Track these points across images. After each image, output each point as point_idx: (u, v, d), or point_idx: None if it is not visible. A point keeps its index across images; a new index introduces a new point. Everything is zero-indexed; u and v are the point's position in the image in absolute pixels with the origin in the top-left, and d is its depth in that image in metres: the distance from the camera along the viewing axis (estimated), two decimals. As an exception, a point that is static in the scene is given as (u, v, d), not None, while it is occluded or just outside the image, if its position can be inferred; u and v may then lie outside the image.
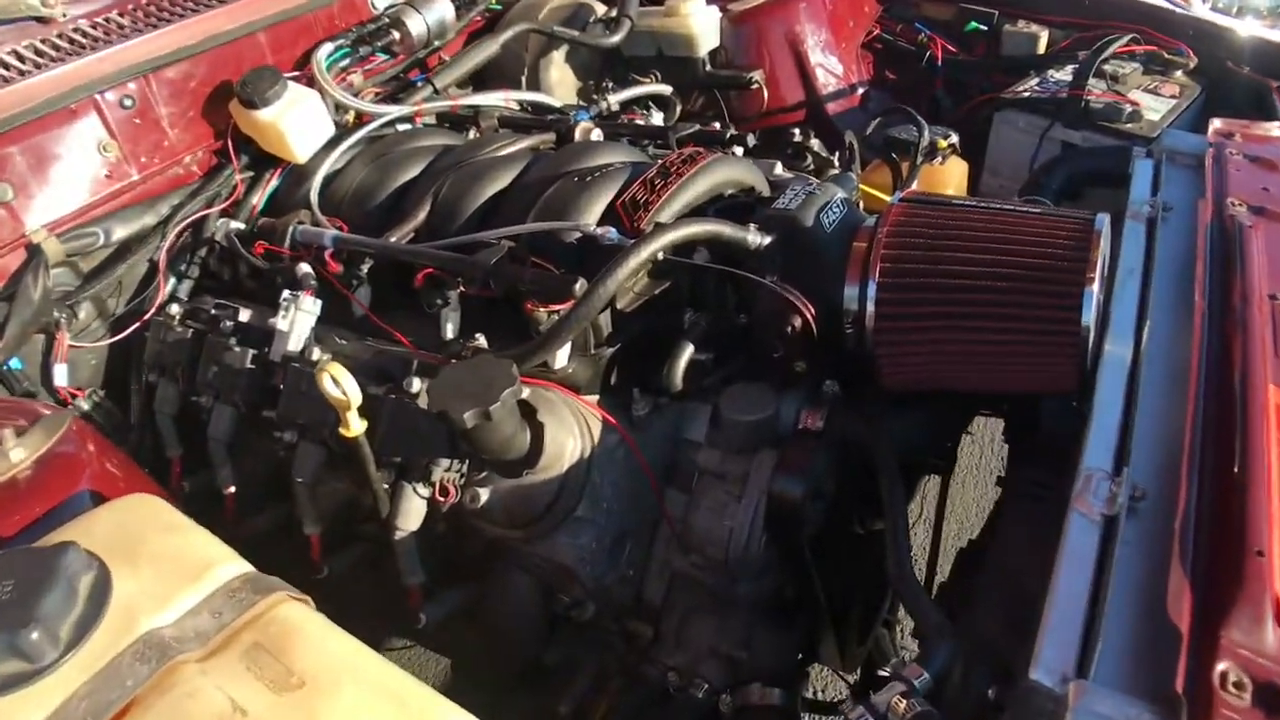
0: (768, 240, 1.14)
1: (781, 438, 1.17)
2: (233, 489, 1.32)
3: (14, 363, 1.38)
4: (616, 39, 1.85)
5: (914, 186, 1.55)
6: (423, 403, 1.08)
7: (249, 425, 1.31)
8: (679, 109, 1.91)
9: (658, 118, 1.84)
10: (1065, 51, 1.88)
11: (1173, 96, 1.73)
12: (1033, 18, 1.96)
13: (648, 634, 1.24)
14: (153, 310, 1.45)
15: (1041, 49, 1.93)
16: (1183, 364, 0.92)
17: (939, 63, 1.97)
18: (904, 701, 0.75)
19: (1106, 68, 1.77)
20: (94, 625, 0.64)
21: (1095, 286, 0.99)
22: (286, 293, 1.26)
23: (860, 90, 1.94)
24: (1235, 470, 0.74)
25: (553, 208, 1.23)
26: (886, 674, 0.83)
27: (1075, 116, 1.63)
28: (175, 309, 1.42)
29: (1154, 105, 1.69)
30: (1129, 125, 1.61)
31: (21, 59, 1.47)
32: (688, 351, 1.14)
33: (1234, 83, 1.78)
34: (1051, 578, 0.73)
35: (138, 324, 1.47)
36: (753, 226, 1.14)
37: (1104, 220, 1.04)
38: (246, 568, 0.72)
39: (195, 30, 1.58)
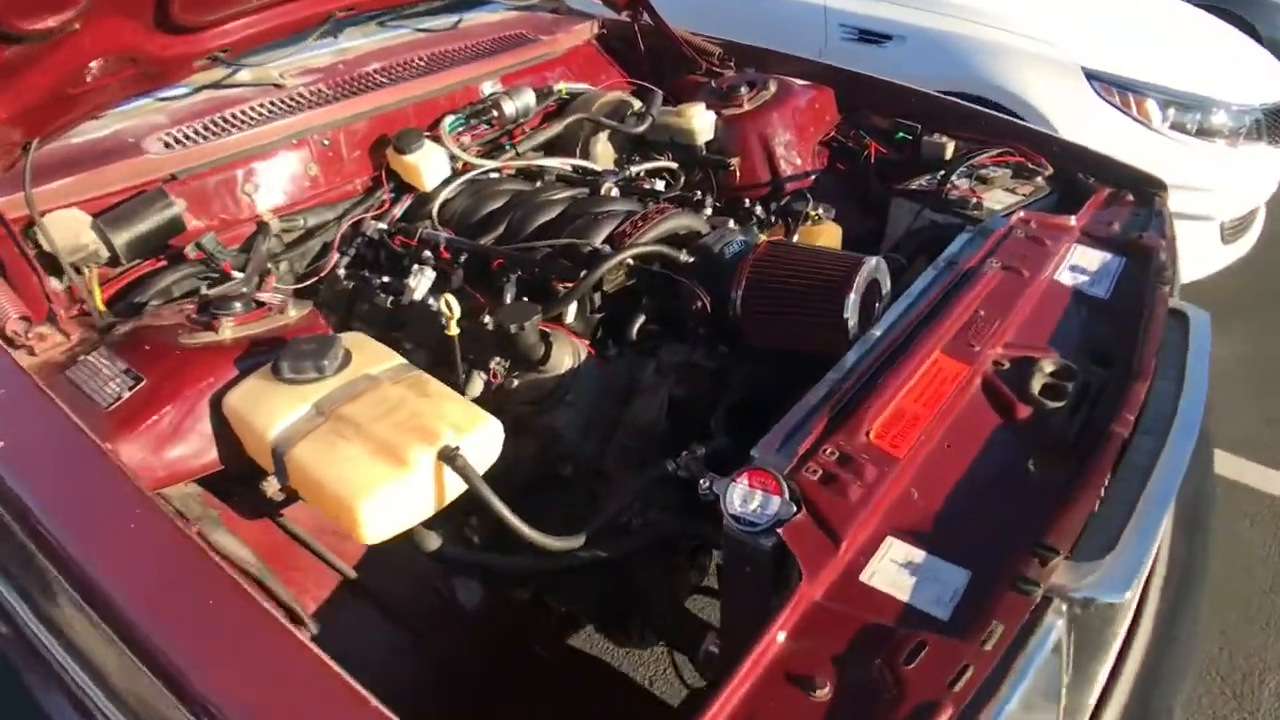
0: (692, 259, 1.88)
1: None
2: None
3: (241, 295, 2.19)
4: (642, 129, 2.55)
5: (795, 238, 2.30)
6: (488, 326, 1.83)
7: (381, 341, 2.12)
8: (683, 179, 2.62)
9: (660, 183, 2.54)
10: (962, 157, 2.51)
11: (1024, 195, 2.34)
12: (944, 132, 2.60)
13: (603, 493, 1.88)
14: (326, 271, 2.16)
15: (949, 155, 2.54)
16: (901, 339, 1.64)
17: (873, 160, 2.68)
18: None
19: (982, 171, 2.41)
20: (346, 366, 1.44)
21: (852, 295, 1.66)
22: (416, 266, 2.02)
23: (812, 176, 2.66)
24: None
25: (578, 231, 2.01)
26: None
27: (939, 203, 2.33)
28: (341, 272, 2.18)
29: (1001, 200, 2.29)
30: (973, 212, 2.24)
31: (267, 108, 2.21)
32: (639, 319, 1.91)
33: (1081, 187, 2.32)
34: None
35: (315, 279, 2.16)
36: (684, 251, 1.90)
37: (873, 259, 1.75)
38: (402, 360, 1.53)
39: (370, 101, 2.33)
